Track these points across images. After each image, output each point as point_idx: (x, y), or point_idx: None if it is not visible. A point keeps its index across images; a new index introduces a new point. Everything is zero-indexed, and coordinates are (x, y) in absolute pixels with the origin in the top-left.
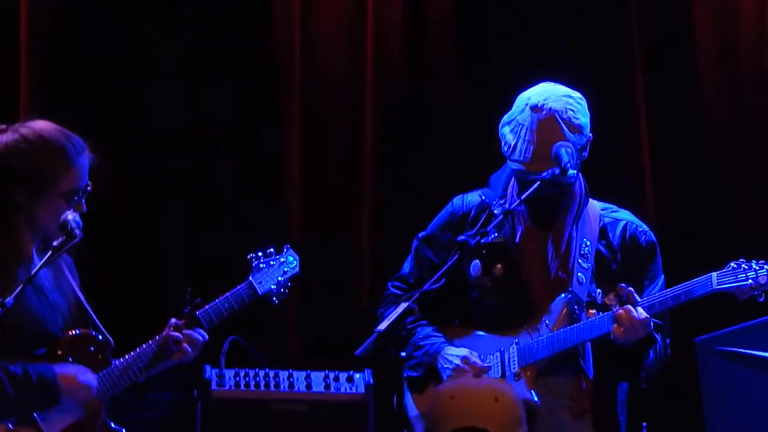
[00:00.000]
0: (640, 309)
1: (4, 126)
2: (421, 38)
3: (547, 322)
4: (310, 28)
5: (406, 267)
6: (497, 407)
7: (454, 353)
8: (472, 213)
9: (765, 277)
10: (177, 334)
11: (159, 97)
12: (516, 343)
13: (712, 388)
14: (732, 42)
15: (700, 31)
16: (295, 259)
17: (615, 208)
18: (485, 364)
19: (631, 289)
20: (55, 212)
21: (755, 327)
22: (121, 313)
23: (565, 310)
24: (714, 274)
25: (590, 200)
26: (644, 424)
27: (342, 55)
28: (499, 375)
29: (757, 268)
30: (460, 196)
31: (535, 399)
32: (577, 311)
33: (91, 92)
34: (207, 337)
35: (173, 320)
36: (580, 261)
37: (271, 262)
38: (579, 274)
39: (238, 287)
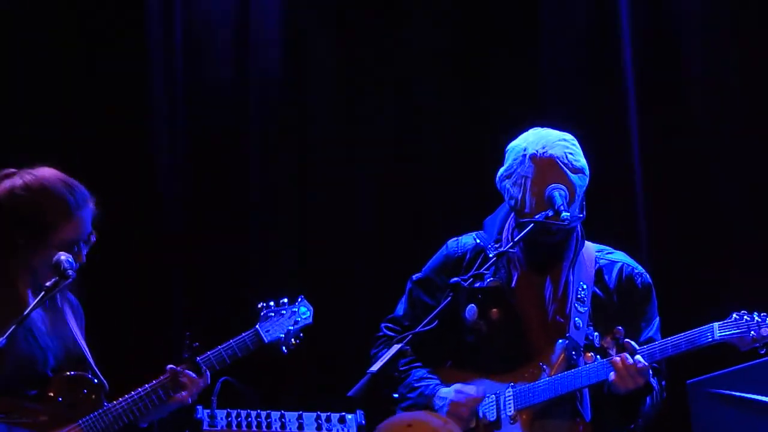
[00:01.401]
0: (638, 356)
1: (13, 170)
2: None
3: (544, 367)
4: None
5: (400, 309)
6: None
7: (444, 395)
8: (468, 256)
9: (767, 329)
10: (179, 379)
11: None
12: (512, 387)
13: (704, 430)
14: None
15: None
16: (308, 310)
17: (610, 249)
18: (478, 394)
19: (632, 343)
20: (50, 261)
21: (747, 370)
22: (124, 358)
23: (562, 355)
24: (715, 325)
25: (585, 242)
26: None
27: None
28: (494, 418)
29: (759, 320)
30: (455, 239)
31: None
32: (574, 357)
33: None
34: (206, 383)
35: (171, 366)
36: (576, 305)
37: (282, 312)
38: (576, 318)
39: (243, 334)
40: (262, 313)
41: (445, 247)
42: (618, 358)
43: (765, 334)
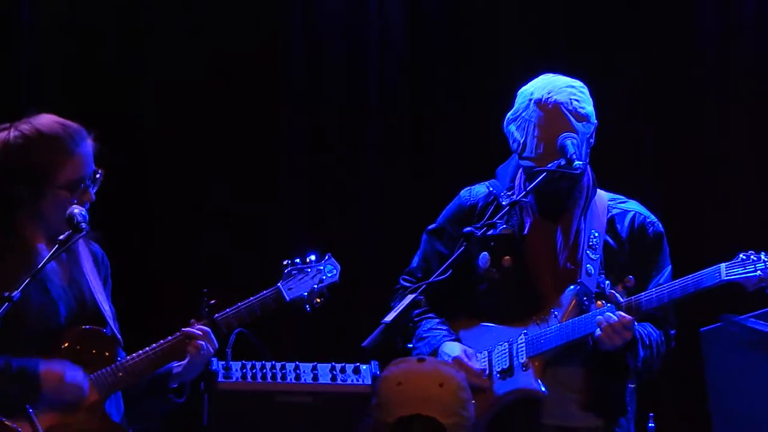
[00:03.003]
0: (620, 312)
1: (7, 124)
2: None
3: (555, 313)
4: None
5: (415, 260)
6: (442, 392)
7: (448, 352)
8: (480, 204)
9: None
10: (191, 330)
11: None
12: (525, 334)
13: (717, 378)
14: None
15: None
16: (334, 268)
17: (623, 198)
18: (478, 368)
19: (616, 294)
20: (59, 204)
21: (763, 315)
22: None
23: (574, 301)
24: (723, 265)
25: (598, 191)
26: (651, 414)
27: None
28: (507, 365)
29: (766, 259)
30: (468, 188)
31: (543, 389)
32: (586, 302)
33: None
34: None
35: (191, 321)
36: (588, 252)
37: (307, 270)
38: (588, 265)
39: (264, 292)
40: (285, 271)
41: (458, 196)
42: (601, 317)
43: None
